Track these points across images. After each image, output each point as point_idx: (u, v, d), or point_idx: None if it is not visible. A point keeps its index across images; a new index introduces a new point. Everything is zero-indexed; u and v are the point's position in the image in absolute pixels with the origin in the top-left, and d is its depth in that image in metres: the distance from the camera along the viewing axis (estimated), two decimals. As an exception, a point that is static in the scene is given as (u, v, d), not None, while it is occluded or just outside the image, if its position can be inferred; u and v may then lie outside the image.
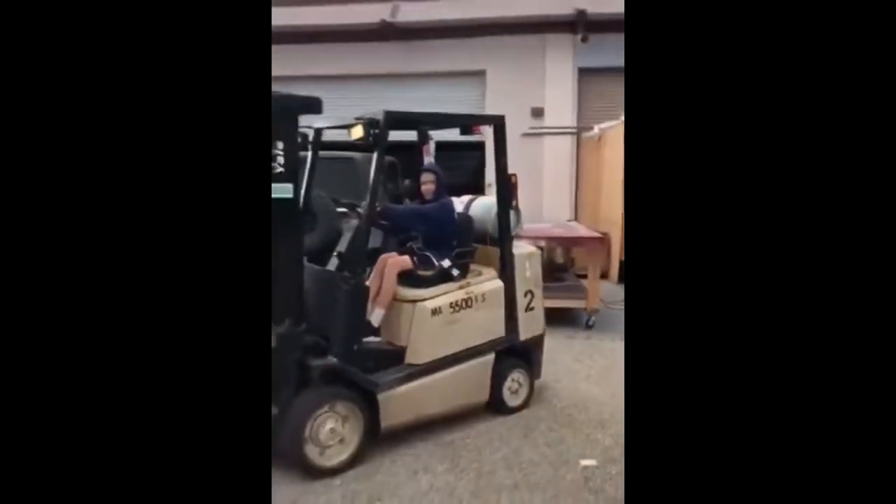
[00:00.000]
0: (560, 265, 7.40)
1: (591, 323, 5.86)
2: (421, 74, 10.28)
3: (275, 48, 7.88)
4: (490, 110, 10.21)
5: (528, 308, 3.78)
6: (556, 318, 5.63)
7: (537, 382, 4.03)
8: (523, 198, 9.49)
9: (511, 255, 3.69)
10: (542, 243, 6.69)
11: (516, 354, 3.75)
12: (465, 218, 3.82)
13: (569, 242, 6.91)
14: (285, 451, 3.00)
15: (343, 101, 10.37)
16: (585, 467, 3.16)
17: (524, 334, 3.76)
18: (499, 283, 3.65)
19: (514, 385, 3.75)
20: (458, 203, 3.97)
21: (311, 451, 3.00)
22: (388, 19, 9.82)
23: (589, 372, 4.61)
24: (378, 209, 3.35)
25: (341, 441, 3.08)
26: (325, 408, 3.04)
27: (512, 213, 3.81)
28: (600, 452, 3.31)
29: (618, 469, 3.09)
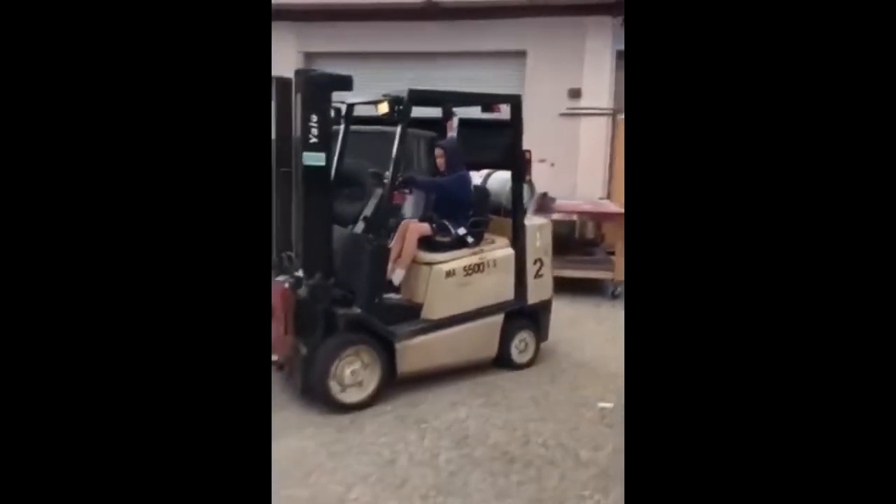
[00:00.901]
0: (590, 240, 7.81)
1: (616, 293, 6.30)
2: (464, 53, 10.55)
3: (324, 25, 8.47)
4: (529, 90, 10.43)
5: (537, 275, 4.13)
6: (585, 288, 6.34)
7: (565, 340, 4.55)
8: (558, 175, 9.77)
9: (523, 225, 4.03)
10: (575, 217, 7.15)
11: (524, 316, 4.11)
12: (482, 190, 4.17)
13: (599, 217, 7.35)
14: (312, 388, 3.44)
15: (387, 79, 10.80)
16: (603, 408, 3.62)
17: (532, 299, 4.11)
18: (510, 251, 4.00)
19: (522, 344, 4.12)
20: (477, 177, 4.32)
21: (335, 388, 3.44)
22: (434, 0, 10.13)
23: (611, 334, 5.06)
24: (401, 180, 3.74)
25: (361, 381, 3.50)
26: (349, 351, 3.46)
27: (525, 186, 4.14)
28: (616, 398, 3.73)
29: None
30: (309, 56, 11.65)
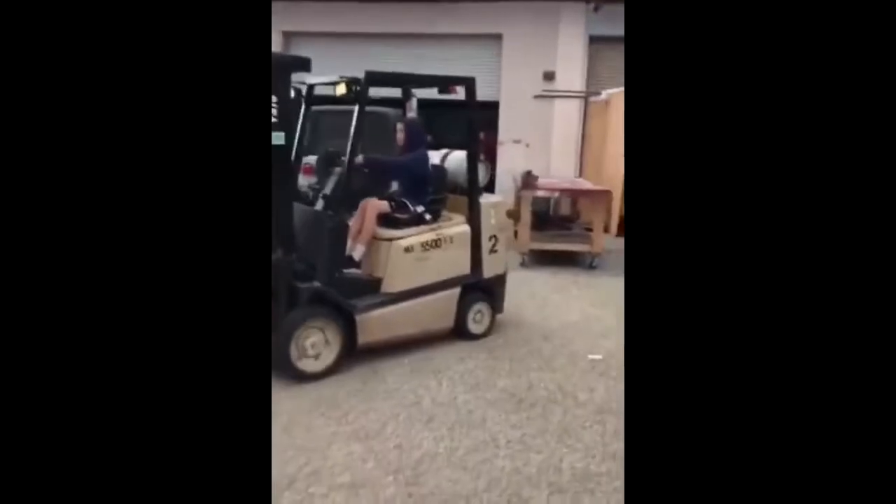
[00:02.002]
0: (567, 216, 8.23)
1: (593, 264, 6.79)
2: (442, 35, 10.67)
3: (304, 4, 8.58)
4: (505, 72, 10.60)
5: (492, 250, 4.32)
6: (564, 260, 6.94)
7: (553, 304, 5.22)
8: (532, 156, 9.95)
9: (478, 203, 4.21)
10: (556, 194, 7.46)
11: (480, 289, 4.31)
12: (439, 169, 4.34)
13: (579, 194, 7.80)
14: (276, 358, 3.62)
15: (364, 59, 10.85)
16: (593, 359, 4.08)
17: (488, 273, 4.31)
18: (466, 228, 4.19)
19: (478, 315, 4.32)
20: (436, 156, 4.49)
21: (296, 358, 3.61)
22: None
23: (593, 299, 5.62)
24: (361, 159, 3.89)
25: (321, 352, 3.68)
26: (310, 323, 3.63)
27: (481, 166, 4.31)
28: (604, 351, 4.23)
29: (617, 361, 4.02)
30: (287, 35, 11.68)
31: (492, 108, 10.94)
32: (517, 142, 10.41)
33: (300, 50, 11.69)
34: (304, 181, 4.07)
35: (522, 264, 6.78)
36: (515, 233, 7.32)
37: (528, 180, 7.03)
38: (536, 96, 10.08)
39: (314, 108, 3.70)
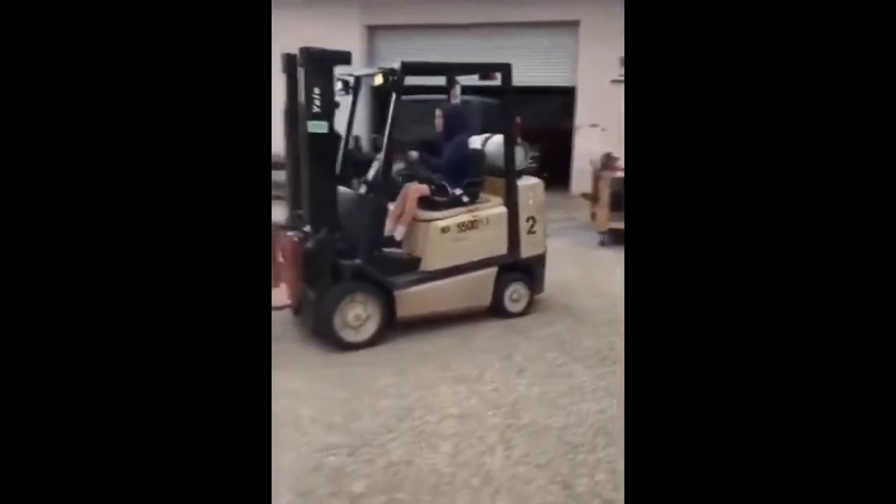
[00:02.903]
0: None
1: None
2: (519, 24, 10.78)
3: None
4: (582, 59, 10.55)
5: (530, 231, 4.44)
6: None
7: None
8: (609, 139, 9.85)
9: (515, 186, 4.35)
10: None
11: (518, 269, 4.45)
12: (478, 153, 4.50)
13: None
14: (321, 330, 3.96)
15: (443, 49, 11.15)
16: None
17: (525, 253, 4.44)
18: (502, 209, 4.34)
19: (515, 294, 4.47)
20: (477, 141, 4.65)
21: (341, 330, 3.93)
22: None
23: None
24: (415, 156, 4.22)
25: (363, 324, 3.98)
26: (351, 297, 3.94)
27: (519, 149, 4.43)
28: None
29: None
30: (372, 28, 12.15)
31: (568, 93, 10.91)
32: (594, 126, 10.34)
33: (383, 42, 12.14)
34: (397, 167, 4.40)
35: (602, 243, 6.94)
36: (593, 214, 7.42)
37: (608, 162, 7.30)
38: (613, 81, 9.92)
39: (404, 97, 3.97)
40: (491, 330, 4.27)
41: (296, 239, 3.95)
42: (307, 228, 3.99)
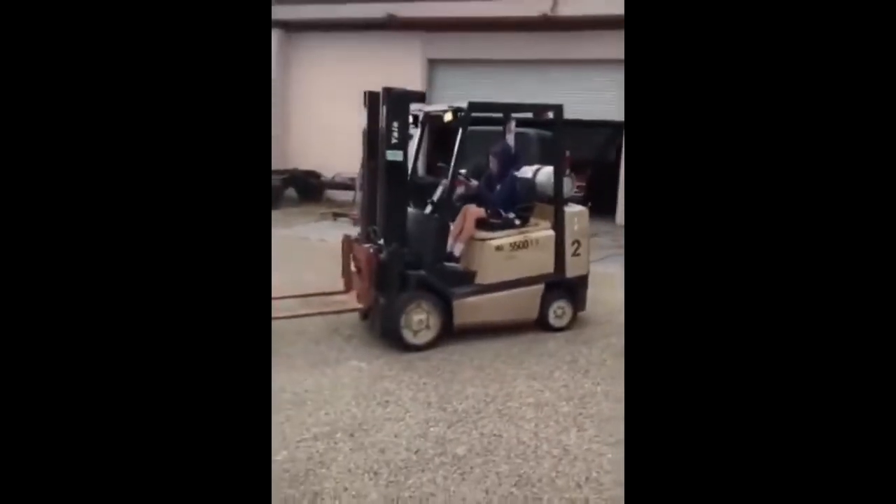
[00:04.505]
0: None
1: None
2: (578, 61, 11.38)
3: (447, 35, 10.02)
4: (632, 93, 11.02)
5: (575, 254, 4.97)
6: None
7: None
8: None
9: (562, 212, 4.89)
10: None
11: (562, 288, 4.97)
12: (529, 182, 5.07)
13: None
14: (389, 331, 4.54)
15: (501, 84, 11.81)
16: None
17: (570, 273, 4.96)
18: (550, 233, 4.88)
19: (559, 310, 4.98)
20: (529, 171, 5.22)
21: (405, 332, 4.51)
22: (549, 13, 11.03)
23: None
24: (474, 187, 4.83)
25: (424, 328, 4.55)
26: (415, 304, 4.52)
27: (566, 179, 4.98)
28: None
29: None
30: (432, 62, 12.92)
31: (617, 127, 11.41)
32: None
33: (442, 75, 12.90)
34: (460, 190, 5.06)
35: None
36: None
37: None
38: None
39: (470, 128, 4.60)
40: (557, 339, 4.81)
41: (371, 250, 4.56)
42: (381, 242, 4.61)
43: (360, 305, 4.72)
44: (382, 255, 4.52)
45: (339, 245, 5.08)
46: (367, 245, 4.67)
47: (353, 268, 4.95)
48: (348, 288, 4.95)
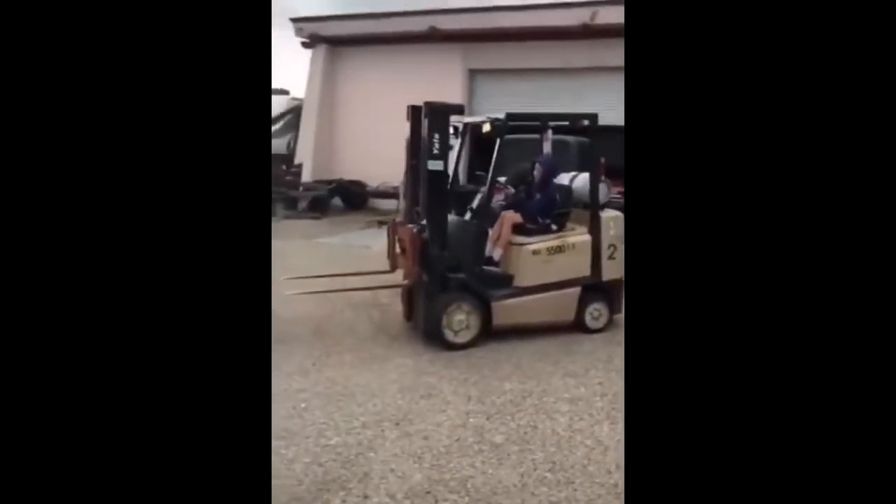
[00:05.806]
0: None
1: None
2: (609, 68, 11.47)
3: (487, 45, 10.41)
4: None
5: (611, 257, 5.13)
6: None
7: None
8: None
9: (598, 217, 5.07)
10: None
11: (599, 290, 5.13)
12: (566, 189, 5.26)
13: None
14: (430, 331, 4.79)
15: (538, 91, 12.00)
16: None
17: (606, 276, 5.12)
18: (587, 237, 5.06)
19: (596, 312, 5.14)
20: (566, 177, 5.42)
21: (446, 332, 4.75)
22: (588, 22, 11.20)
23: None
24: (511, 192, 5.06)
25: (464, 329, 4.78)
26: (456, 305, 4.76)
27: (602, 185, 5.15)
28: None
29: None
30: (473, 72, 13.22)
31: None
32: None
33: (482, 84, 13.17)
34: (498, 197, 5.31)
35: None
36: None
37: None
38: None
39: (507, 136, 4.82)
40: (593, 340, 4.97)
41: (415, 230, 4.78)
42: (423, 222, 4.79)
43: (405, 282, 5.02)
44: (425, 234, 4.72)
45: (383, 252, 5.37)
46: (410, 225, 4.92)
47: (398, 249, 5.20)
48: (394, 267, 5.21)
